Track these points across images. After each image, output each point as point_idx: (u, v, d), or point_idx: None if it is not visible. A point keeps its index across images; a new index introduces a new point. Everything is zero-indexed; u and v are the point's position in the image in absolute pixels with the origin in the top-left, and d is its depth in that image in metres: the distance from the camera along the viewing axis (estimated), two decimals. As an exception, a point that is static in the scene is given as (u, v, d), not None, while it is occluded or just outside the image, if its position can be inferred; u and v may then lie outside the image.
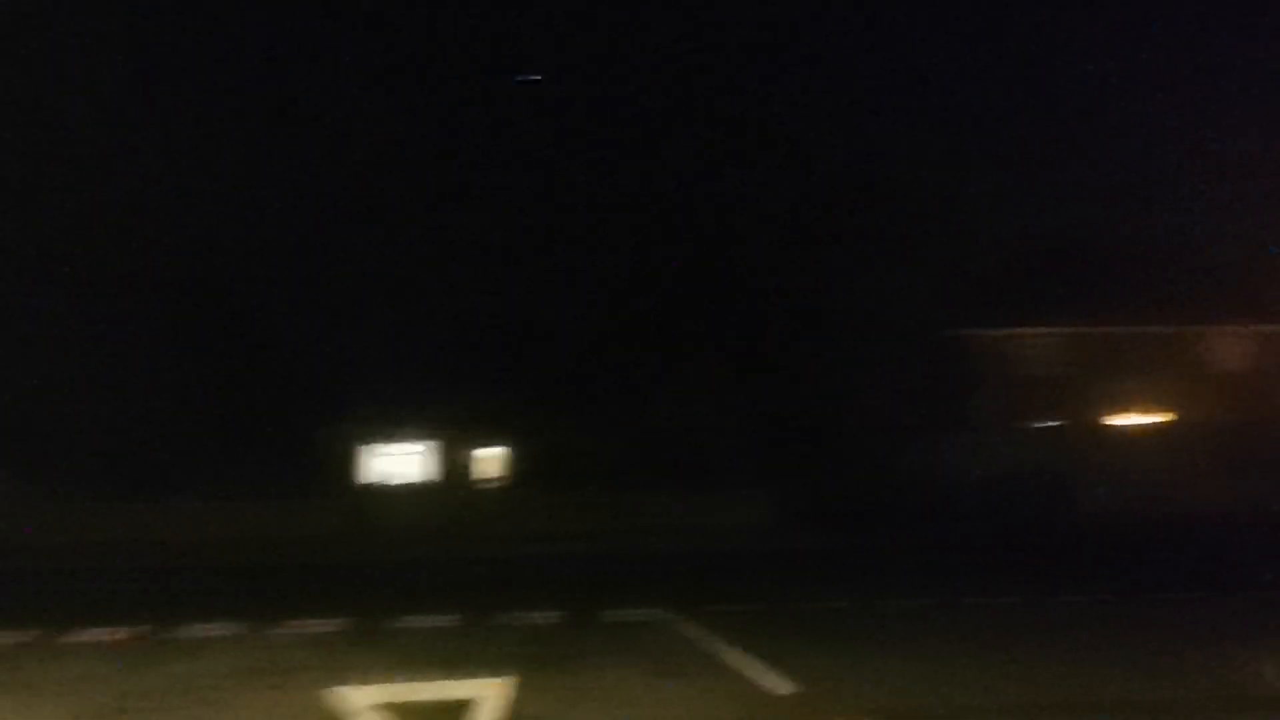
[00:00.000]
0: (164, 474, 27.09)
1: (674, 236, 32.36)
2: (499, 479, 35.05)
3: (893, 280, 31.90)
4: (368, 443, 30.60)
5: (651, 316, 31.90)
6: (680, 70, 33.13)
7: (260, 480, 27.16)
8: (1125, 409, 33.74)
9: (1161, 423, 32.58)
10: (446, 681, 9.05)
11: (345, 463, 30.99)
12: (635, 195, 32.32)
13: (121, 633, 11.90)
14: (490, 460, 34.98)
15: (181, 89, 29.97)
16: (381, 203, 29.59)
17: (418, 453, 33.52)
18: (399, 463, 33.20)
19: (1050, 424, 32.67)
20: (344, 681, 9.13)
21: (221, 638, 11.63)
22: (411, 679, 9.22)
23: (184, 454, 27.75)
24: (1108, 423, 32.97)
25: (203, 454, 27.79)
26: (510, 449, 35.08)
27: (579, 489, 28.66)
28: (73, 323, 28.13)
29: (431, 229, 32.25)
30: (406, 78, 30.94)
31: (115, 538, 24.06)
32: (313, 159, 30.57)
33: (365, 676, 9.34)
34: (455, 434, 33.64)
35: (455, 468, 33.83)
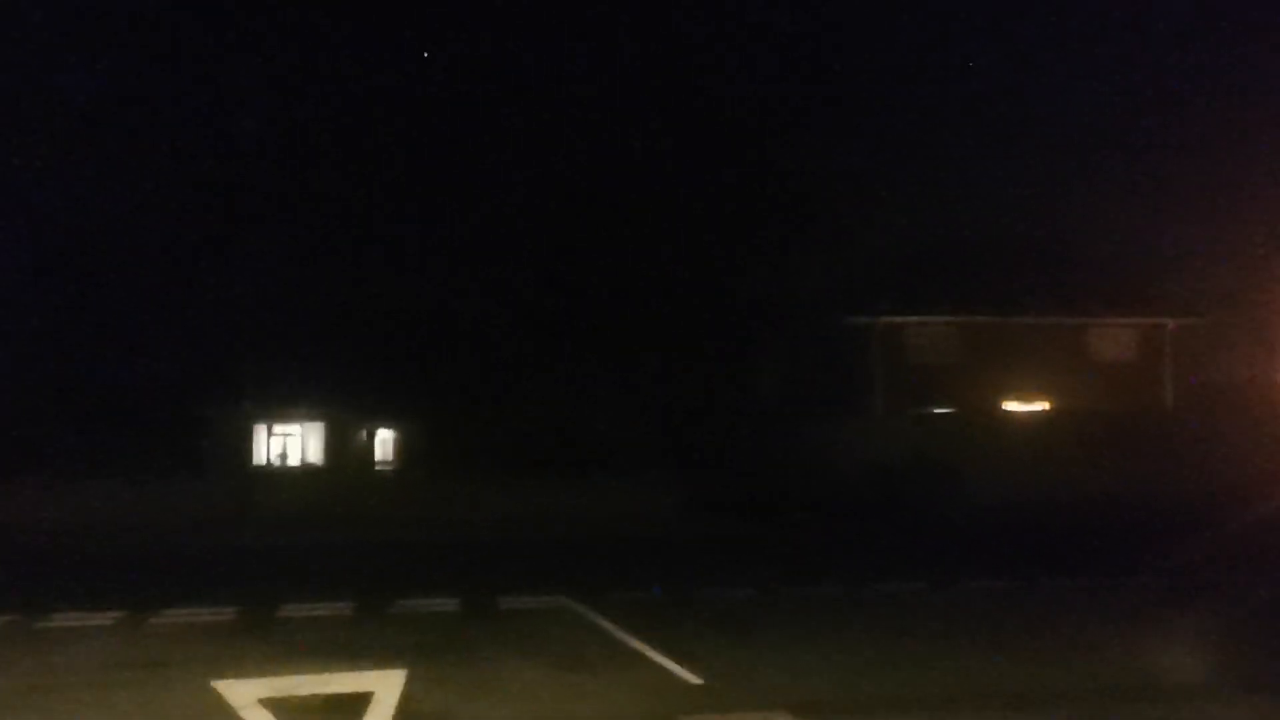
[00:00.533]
0: (45, 454, 25.75)
1: (577, 222, 31.98)
2: (393, 462, 34.37)
3: (790, 269, 32.08)
4: (258, 423, 29.58)
5: (555, 302, 31.53)
6: (584, 52, 32.63)
7: (145, 461, 26.05)
8: (1015, 398, 34.53)
9: (1049, 412, 33.43)
10: (338, 674, 8.63)
11: (235, 443, 29.94)
12: (540, 179, 31.82)
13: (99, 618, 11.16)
14: (384, 443, 34.28)
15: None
16: (281, 180, 28.53)
17: (309, 434, 32.64)
18: (290, 444, 32.29)
19: (942, 412, 33.25)
20: (230, 674, 8.65)
21: (99, 627, 10.98)
22: (300, 671, 8.78)
23: (66, 433, 26.45)
24: (999, 412, 33.71)
25: (85, 433, 26.54)
26: (404, 432, 34.40)
27: (475, 474, 28.18)
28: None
29: (333, 208, 31.28)
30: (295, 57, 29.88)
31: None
32: (208, 135, 29.31)
33: (252, 668, 8.87)
34: (348, 415, 32.83)
35: (348, 450, 33.03)
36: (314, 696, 7.99)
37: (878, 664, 9.21)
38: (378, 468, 33.46)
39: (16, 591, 13.68)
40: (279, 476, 29.48)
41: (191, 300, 28.52)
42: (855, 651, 9.74)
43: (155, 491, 24.84)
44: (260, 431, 30.91)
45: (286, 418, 31.89)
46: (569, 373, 30.61)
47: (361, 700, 7.78)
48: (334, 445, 32.59)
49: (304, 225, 30.31)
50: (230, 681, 8.30)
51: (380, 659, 9.17)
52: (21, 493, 23.95)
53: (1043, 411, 33.49)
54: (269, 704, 7.71)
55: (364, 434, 33.51)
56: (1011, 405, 34.07)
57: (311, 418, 32.39)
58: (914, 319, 36.05)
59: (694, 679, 8.53)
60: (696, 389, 30.31)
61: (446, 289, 31.30)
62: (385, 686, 8.12)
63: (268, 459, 31.38)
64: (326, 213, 31.07)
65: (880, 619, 11.62)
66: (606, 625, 11.01)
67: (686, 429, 29.10)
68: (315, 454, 32.62)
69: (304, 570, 16.76)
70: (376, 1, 32.01)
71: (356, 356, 31.23)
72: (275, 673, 8.69)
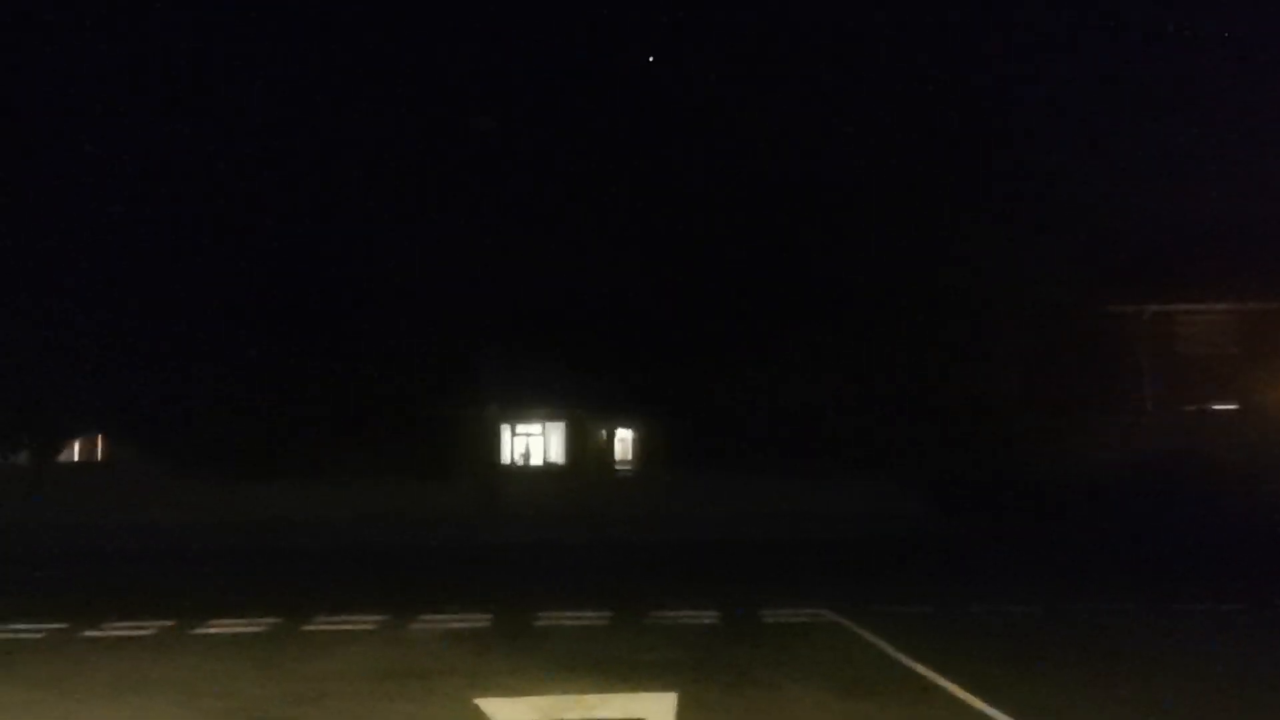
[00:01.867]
0: (296, 456, 26.96)
1: (811, 215, 30.81)
2: (632, 461, 34.26)
3: (1040, 255, 29.81)
4: (500, 423, 30.00)
5: (791, 297, 30.47)
6: (790, 35, 31.39)
7: (390, 460, 26.82)
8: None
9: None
10: (605, 695, 8.06)
11: (478, 443, 30.49)
12: (770, 172, 30.84)
13: (254, 624, 11.30)
14: (623, 442, 34.21)
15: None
16: (521, 178, 28.78)
17: (551, 434, 32.94)
18: (532, 444, 32.67)
19: (1222, 407, 30.27)
20: (491, 689, 8.25)
21: (356, 633, 10.90)
22: (565, 689, 8.28)
23: (314, 435, 27.56)
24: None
25: (332, 435, 27.57)
26: (643, 430, 34.21)
27: (715, 472, 27.60)
28: (202, 304, 28.13)
29: (573, 206, 31.33)
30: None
31: (246, 520, 23.94)
32: (440, 131, 29.87)
33: (514, 684, 8.44)
34: (588, 415, 32.91)
35: (588, 449, 33.13)
36: (582, 721, 7.46)
37: (1234, 710, 7.87)
38: (617, 467, 33.41)
39: (281, 593, 13.99)
40: (522, 476, 29.83)
41: (434, 301, 29.12)
42: (1193, 691, 8.40)
43: (406, 492, 25.51)
44: (505, 431, 31.36)
45: (529, 418, 32.30)
46: (808, 368, 29.52)
47: (634, 728, 7.19)
48: (575, 445, 32.80)
49: (542, 225, 30.48)
50: (495, 700, 7.88)
51: (646, 679, 8.57)
52: (279, 495, 25.11)
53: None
54: (536, 728, 7.22)
55: (603, 433, 33.56)
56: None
57: (553, 417, 32.70)
58: (1184, 306, 33.08)
59: (1003, 716, 7.47)
60: (939, 381, 28.59)
61: (685, 286, 30.79)
62: (658, 712, 7.49)
63: (511, 459, 31.86)
64: (565, 212, 31.17)
65: (1207, 648, 10.13)
66: (879, 644, 10.06)
67: (931, 423, 27.51)
68: (556, 454, 32.94)
69: (552, 572, 16.55)
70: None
71: (597, 355, 31.18)
72: (539, 691, 8.22)
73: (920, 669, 9.00)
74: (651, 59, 32.92)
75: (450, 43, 29.39)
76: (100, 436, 33.28)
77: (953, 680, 8.50)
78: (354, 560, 18.15)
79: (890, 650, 9.77)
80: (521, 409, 31.59)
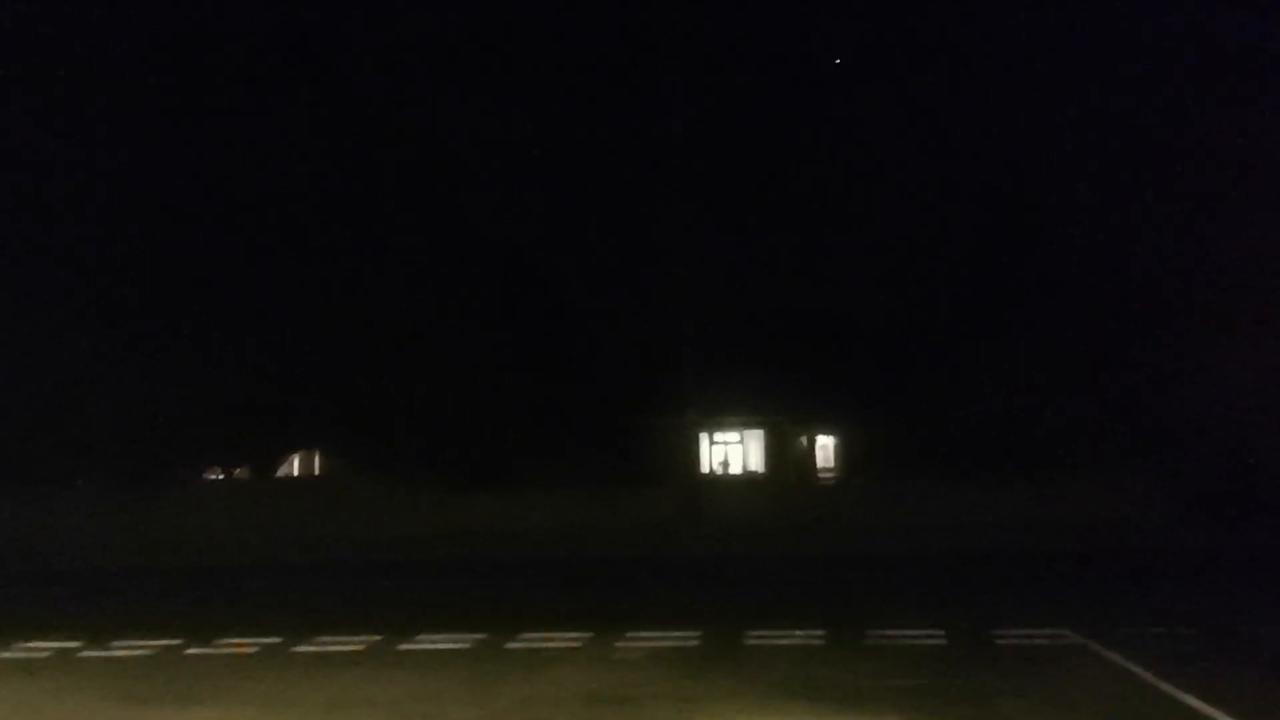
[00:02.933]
0: (502, 467, 27.19)
1: (1017, 202, 29.01)
2: (834, 468, 33.13)
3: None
4: (699, 431, 29.44)
5: (992, 293, 28.77)
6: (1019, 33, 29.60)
7: (590, 470, 26.70)
8: None
9: None
10: (830, 727, 7.34)
11: (677, 452, 30.10)
12: (972, 169, 29.22)
13: (461, 640, 11.06)
14: (824, 449, 33.13)
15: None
16: (711, 182, 28.25)
17: (749, 441, 32.20)
18: (731, 452, 32.02)
19: None
20: (704, 716, 7.64)
21: (563, 652, 10.50)
22: (784, 717, 7.59)
23: (518, 446, 27.74)
24: None
25: (535, 446, 27.67)
26: (844, 437, 33.03)
27: (924, 478, 26.27)
28: (408, 315, 28.73)
29: (759, 206, 30.60)
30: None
31: (454, 532, 24.21)
32: (638, 132, 29.60)
33: (728, 710, 7.81)
34: (788, 421, 32.01)
35: (788, 457, 32.22)
36: (807, 756, 6.75)
37: None
38: (820, 475, 32.36)
39: (487, 607, 13.83)
40: (723, 485, 29.21)
41: (632, 308, 28.89)
42: None
43: (607, 502, 25.31)
44: (703, 440, 30.81)
45: (727, 425, 31.64)
46: (1025, 364, 27.73)
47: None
48: (774, 452, 31.96)
49: (738, 229, 29.86)
50: (710, 730, 7.28)
51: (871, 708, 7.79)
52: (485, 506, 25.33)
53: None
54: (757, 764, 6.56)
55: (804, 440, 32.57)
56: None
57: (751, 425, 31.95)
58: None
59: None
60: (1168, 374, 26.24)
61: (882, 284, 29.53)
62: (892, 751, 6.71)
63: (710, 467, 31.28)
64: (760, 216, 30.45)
65: None
66: (1138, 671, 8.93)
67: (1162, 420, 25.30)
68: (756, 462, 32.19)
69: (759, 586, 15.87)
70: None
71: (795, 361, 30.28)
72: (755, 719, 7.56)
73: (1191, 701, 7.89)
74: (839, 61, 31.73)
75: (651, 39, 29.08)
76: (317, 451, 34.57)
77: (1230, 714, 7.37)
78: (557, 573, 17.95)
79: (1151, 678, 8.64)
80: (720, 416, 30.95)
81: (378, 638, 11.31)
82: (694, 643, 10.74)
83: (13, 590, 17.06)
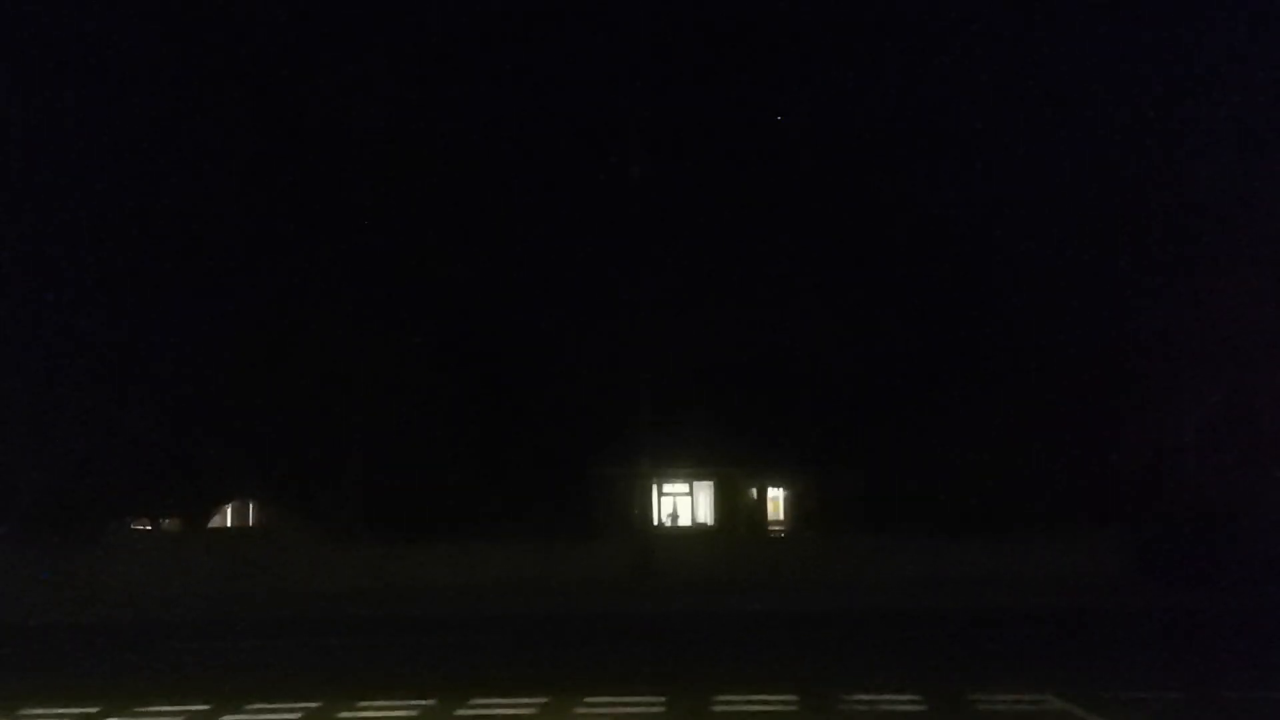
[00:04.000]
0: (446, 518, 26.22)
1: (976, 254, 28.99)
2: (784, 522, 32.62)
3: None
4: (649, 481, 28.78)
5: (949, 346, 28.64)
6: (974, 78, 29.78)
7: (537, 521, 25.92)
8: None
9: None
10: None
11: (627, 503, 29.39)
12: (930, 211, 29.21)
13: (409, 707, 10.26)
14: (774, 501, 32.61)
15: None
16: (662, 233, 27.86)
17: (699, 493, 31.59)
18: (679, 504, 31.37)
19: None
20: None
21: (519, 719, 9.77)
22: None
23: (463, 496, 26.86)
24: None
25: (477, 494, 26.83)
26: (794, 489, 32.59)
27: (874, 534, 25.82)
28: (350, 360, 27.91)
29: (711, 257, 30.32)
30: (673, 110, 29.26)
31: (396, 585, 23.26)
32: (590, 189, 29.31)
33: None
34: (738, 473, 31.48)
35: (738, 509, 31.65)
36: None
37: None
38: (771, 528, 31.81)
39: (434, 669, 13.00)
40: (674, 538, 28.50)
41: (582, 355, 28.36)
42: None
43: (554, 554, 24.51)
44: (653, 490, 30.15)
45: (676, 476, 31.00)
46: (975, 418, 27.54)
47: None
48: (724, 504, 31.36)
49: (690, 279, 29.49)
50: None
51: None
52: (429, 558, 24.35)
53: None
54: None
55: (754, 492, 32.04)
56: None
57: (701, 476, 31.34)
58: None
59: None
60: (1133, 425, 26.20)
61: (835, 336, 29.27)
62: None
63: (660, 519, 30.58)
64: (711, 265, 30.17)
65: None
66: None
67: (1121, 476, 25.19)
68: (705, 514, 31.57)
69: (720, 646, 15.19)
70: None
71: (746, 411, 29.87)
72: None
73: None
74: (780, 118, 31.67)
75: (602, 83, 28.79)
76: (252, 502, 33.30)
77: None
78: (508, 630, 17.11)
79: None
80: (669, 466, 30.32)
81: (315, 704, 10.46)
82: (659, 710, 10.05)
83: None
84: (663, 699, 10.44)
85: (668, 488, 31.78)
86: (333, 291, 27.87)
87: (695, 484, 31.95)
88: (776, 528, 32.16)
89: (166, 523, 28.66)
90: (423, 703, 10.44)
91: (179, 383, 26.62)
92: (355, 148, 28.26)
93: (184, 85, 27.77)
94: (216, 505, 30.18)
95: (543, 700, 10.45)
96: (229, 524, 32.25)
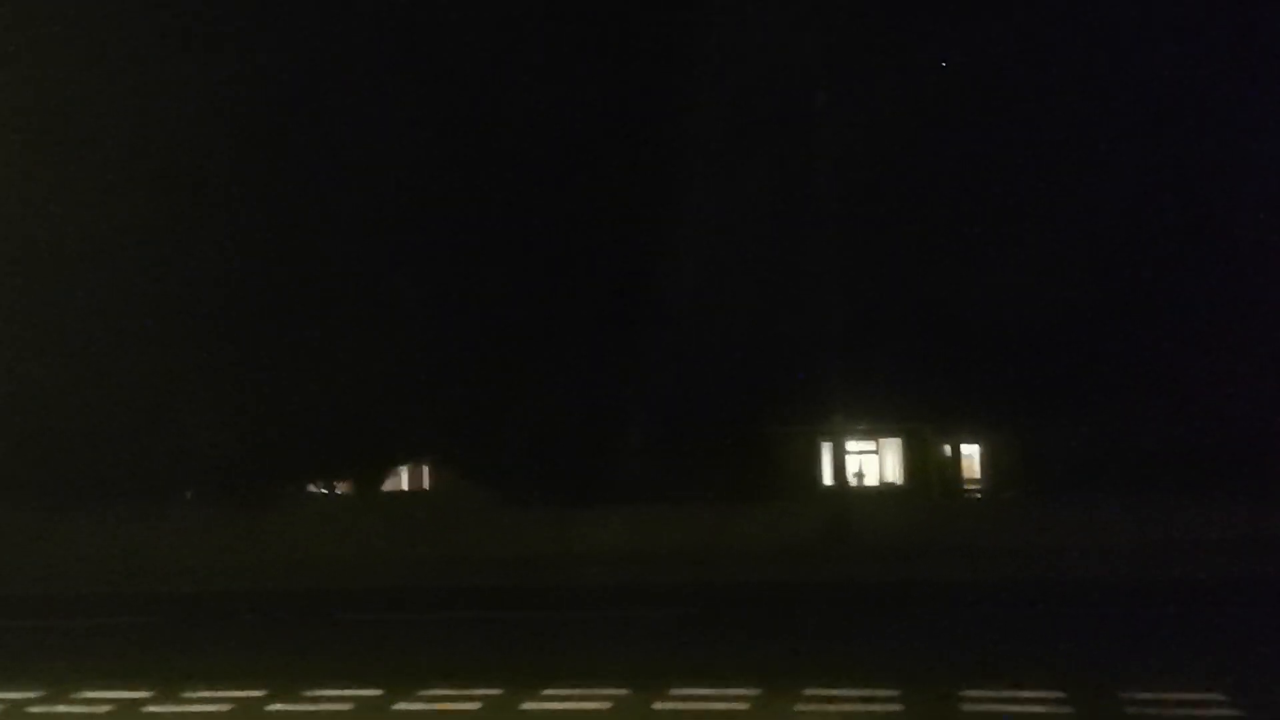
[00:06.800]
0: (612, 477, 24.98)
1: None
2: (980, 480, 30.26)
3: None
4: (835, 440, 26.91)
5: (1182, 278, 25.70)
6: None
7: (717, 485, 24.49)
8: None
9: None
10: None
11: (807, 464, 27.68)
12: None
13: (597, 698, 8.90)
14: (969, 459, 30.27)
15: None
16: (840, 173, 25.86)
17: (886, 451, 29.55)
18: (866, 463, 29.38)
19: None
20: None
21: (730, 715, 8.29)
22: None
23: (630, 455, 25.60)
24: None
25: (649, 455, 25.51)
26: (992, 446, 30.14)
27: (1081, 494, 23.28)
28: (524, 325, 27.03)
29: (895, 203, 28.09)
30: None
31: (568, 549, 21.98)
32: (756, 119, 27.45)
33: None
34: (928, 429, 29.28)
35: (929, 468, 29.48)
36: None
37: None
38: (966, 488, 29.52)
39: (626, 649, 11.65)
40: (862, 499, 26.63)
41: (756, 306, 26.66)
42: None
43: (741, 517, 22.98)
44: (835, 450, 28.30)
45: (861, 433, 28.97)
46: (1186, 365, 24.67)
47: None
48: (914, 463, 29.22)
49: (870, 222, 27.39)
50: None
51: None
52: (602, 520, 23.11)
53: None
54: None
55: (947, 449, 29.78)
56: None
57: (889, 433, 29.26)
58: None
59: None
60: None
61: (1027, 285, 26.72)
62: None
63: (845, 479, 28.68)
64: (892, 207, 27.95)
65: None
66: None
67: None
68: (893, 473, 29.51)
69: (942, 624, 13.25)
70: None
71: (936, 364, 27.58)
72: None
73: None
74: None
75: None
76: (427, 464, 32.97)
77: None
78: (702, 600, 15.67)
79: None
80: (854, 423, 28.39)
81: (497, 692, 9.21)
82: (895, 708, 8.40)
83: (99, 620, 15.45)
84: (895, 692, 8.78)
85: (852, 445, 29.85)
86: (506, 247, 26.97)
87: (882, 441, 29.95)
88: (973, 487, 29.88)
89: (341, 487, 28.50)
90: (616, 691, 9.07)
91: (355, 344, 26.18)
92: (518, 95, 27.28)
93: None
94: (391, 468, 29.88)
95: (755, 691, 8.93)
96: (405, 487, 32.07)
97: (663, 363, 27.65)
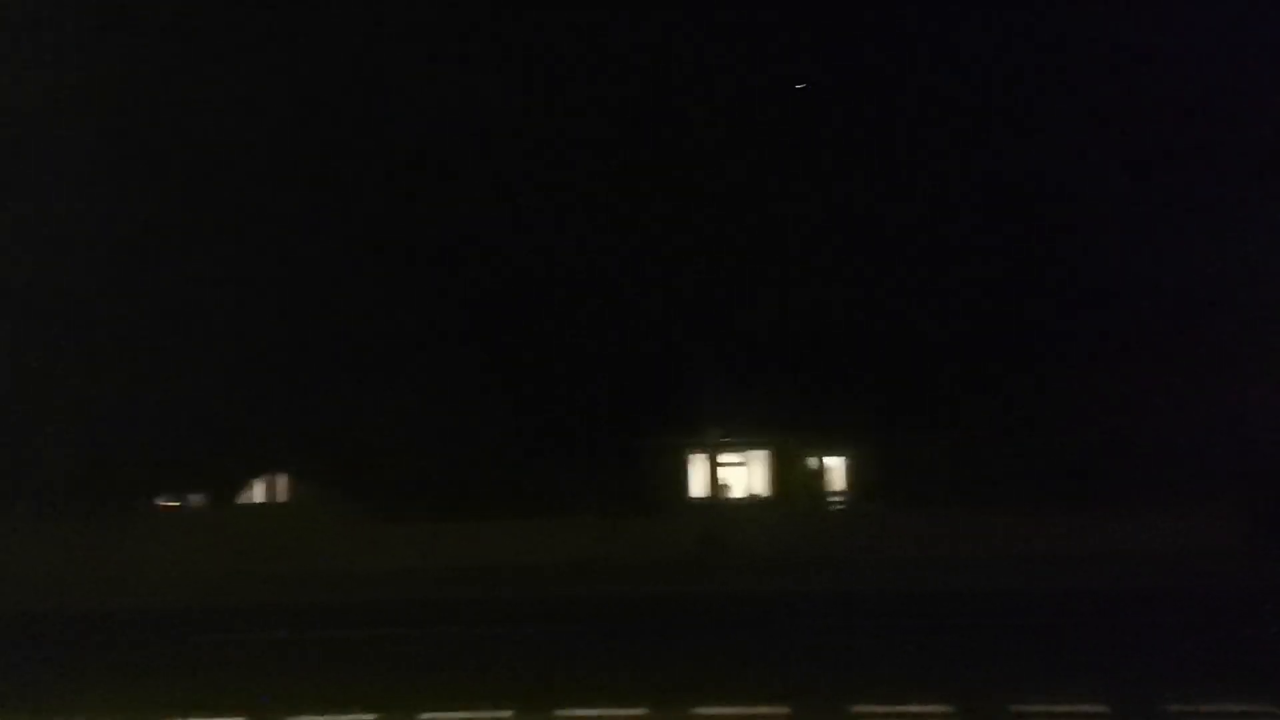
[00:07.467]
0: (484, 491, 24.46)
1: (1050, 206, 26.97)
2: (843, 493, 30.65)
3: None
4: (702, 452, 26.93)
5: (1040, 301, 26.62)
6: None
7: (592, 499, 24.20)
8: None
9: None
10: None
11: (679, 477, 27.64)
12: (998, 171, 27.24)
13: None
14: (834, 471, 30.63)
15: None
16: (714, 193, 26.03)
17: (753, 463, 29.69)
18: (734, 475, 29.50)
19: None
20: None
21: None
22: None
23: (503, 469, 25.15)
24: None
25: (523, 469, 25.12)
26: (855, 458, 30.58)
27: (946, 506, 23.81)
28: (391, 333, 26.33)
29: (766, 217, 28.38)
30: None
31: (441, 565, 21.41)
32: (651, 153, 27.46)
33: None
34: (794, 442, 29.54)
35: (795, 480, 29.73)
36: None
37: None
38: (828, 499, 29.85)
39: (506, 667, 11.25)
40: (728, 511, 26.71)
41: (631, 322, 26.58)
42: None
43: (610, 532, 22.72)
44: (707, 462, 28.37)
45: (731, 447, 29.08)
46: (1065, 379, 25.62)
47: None
48: (781, 475, 29.43)
49: (736, 242, 27.65)
50: None
51: None
52: (475, 536, 22.59)
53: None
54: None
55: (813, 462, 30.08)
56: None
57: (757, 446, 29.42)
58: None
59: None
60: (1229, 392, 24.12)
61: (892, 302, 27.38)
62: None
63: (713, 492, 28.75)
64: (767, 224, 28.27)
65: None
66: None
67: (1229, 442, 23.12)
68: (761, 485, 29.69)
69: (826, 637, 13.20)
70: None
71: (802, 378, 27.95)
72: None
73: None
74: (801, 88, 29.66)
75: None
76: (285, 476, 31.69)
77: None
78: (574, 616, 15.34)
79: None
80: (723, 437, 28.51)
81: (371, 718, 8.71)
82: (788, 724, 8.26)
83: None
84: (786, 709, 8.64)
85: (722, 458, 29.97)
86: (373, 250, 26.24)
87: (749, 454, 30.11)
88: (836, 499, 30.27)
89: (194, 499, 27.15)
90: (499, 714, 8.68)
91: (212, 350, 25.05)
92: (390, 116, 26.74)
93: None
94: (246, 480, 28.62)
95: (643, 711, 8.66)
96: (259, 500, 30.74)
97: (535, 375, 27.36)
